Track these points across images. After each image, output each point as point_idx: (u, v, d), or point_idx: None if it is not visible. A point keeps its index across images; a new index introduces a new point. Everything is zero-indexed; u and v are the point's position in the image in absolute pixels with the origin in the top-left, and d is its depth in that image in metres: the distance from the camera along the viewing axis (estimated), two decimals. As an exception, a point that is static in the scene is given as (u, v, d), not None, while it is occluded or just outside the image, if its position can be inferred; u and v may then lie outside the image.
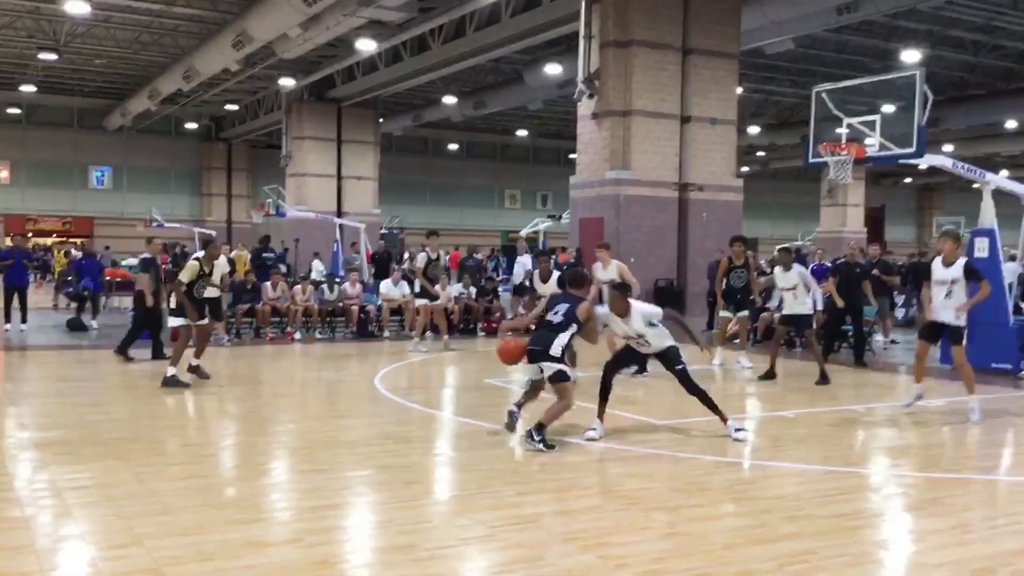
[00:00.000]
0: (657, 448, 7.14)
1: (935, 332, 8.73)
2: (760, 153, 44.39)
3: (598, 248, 11.65)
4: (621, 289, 7.92)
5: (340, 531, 5.19)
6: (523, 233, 24.68)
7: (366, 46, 24.03)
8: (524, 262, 17.86)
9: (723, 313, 12.50)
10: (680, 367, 7.52)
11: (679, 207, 20.27)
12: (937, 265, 8.66)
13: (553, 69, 26.24)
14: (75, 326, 16.18)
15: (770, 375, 10.97)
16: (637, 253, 18.93)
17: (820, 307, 12.22)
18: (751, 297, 12.23)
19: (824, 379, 10.70)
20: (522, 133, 44.14)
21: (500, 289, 18.94)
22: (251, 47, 23.32)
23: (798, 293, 10.98)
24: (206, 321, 10.40)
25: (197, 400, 9.55)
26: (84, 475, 6.17)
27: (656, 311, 7.72)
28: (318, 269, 20.84)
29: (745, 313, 12.27)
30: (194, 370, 10.22)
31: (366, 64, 28.86)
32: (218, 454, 7.31)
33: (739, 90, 21.65)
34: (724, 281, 12.17)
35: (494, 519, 5.19)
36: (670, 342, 7.62)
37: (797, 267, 11.23)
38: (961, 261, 8.55)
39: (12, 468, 6.55)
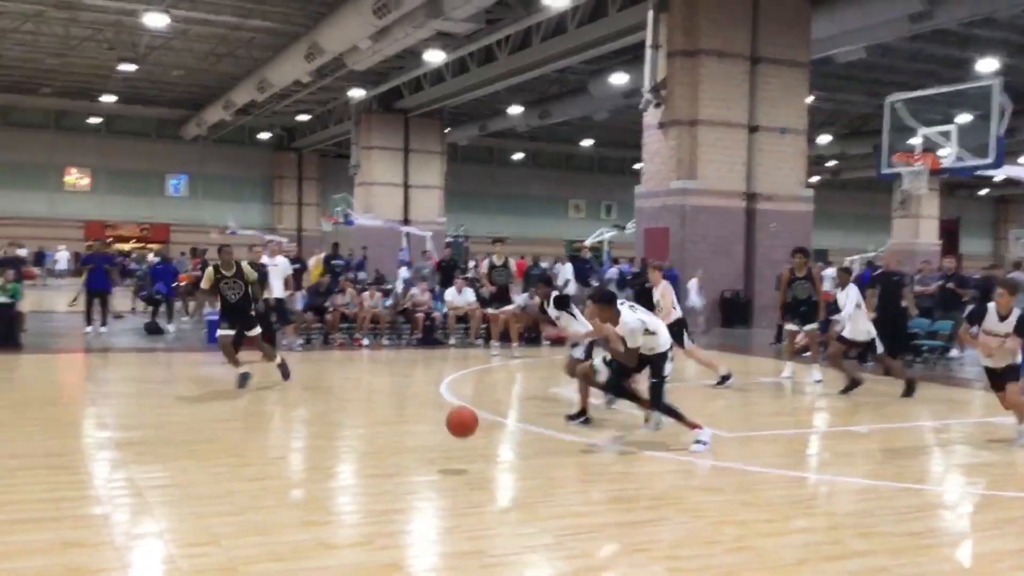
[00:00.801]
0: (725, 460, 7.08)
1: (996, 378, 8.09)
2: (830, 163, 43.62)
3: (652, 268, 11.69)
4: (600, 299, 7.48)
5: (407, 535, 5.26)
6: (588, 243, 24.66)
7: (433, 57, 24.31)
8: (566, 271, 18.10)
9: (788, 326, 12.30)
10: (656, 379, 7.37)
11: (746, 217, 20.05)
12: (992, 316, 7.95)
13: (618, 79, 26.21)
14: (152, 329, 16.65)
15: (853, 384, 10.72)
16: (703, 264, 18.77)
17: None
18: (816, 310, 12.00)
19: (909, 391, 10.49)
20: (587, 143, 44.11)
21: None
22: (322, 59, 23.79)
23: (854, 316, 10.75)
24: (256, 331, 10.51)
25: (269, 404, 9.76)
26: (162, 474, 6.36)
27: (635, 322, 7.25)
28: (403, 277, 21.08)
29: (813, 326, 12.05)
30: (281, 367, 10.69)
31: (433, 75, 29.18)
32: (289, 456, 7.47)
33: (809, 99, 21.35)
34: (787, 293, 11.99)
35: (560, 528, 5.20)
36: (662, 349, 7.39)
37: (851, 287, 11.02)
38: (1015, 314, 7.99)
39: (92, 467, 6.79)
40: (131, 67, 27.86)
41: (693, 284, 18.37)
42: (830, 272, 16.53)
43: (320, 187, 43.93)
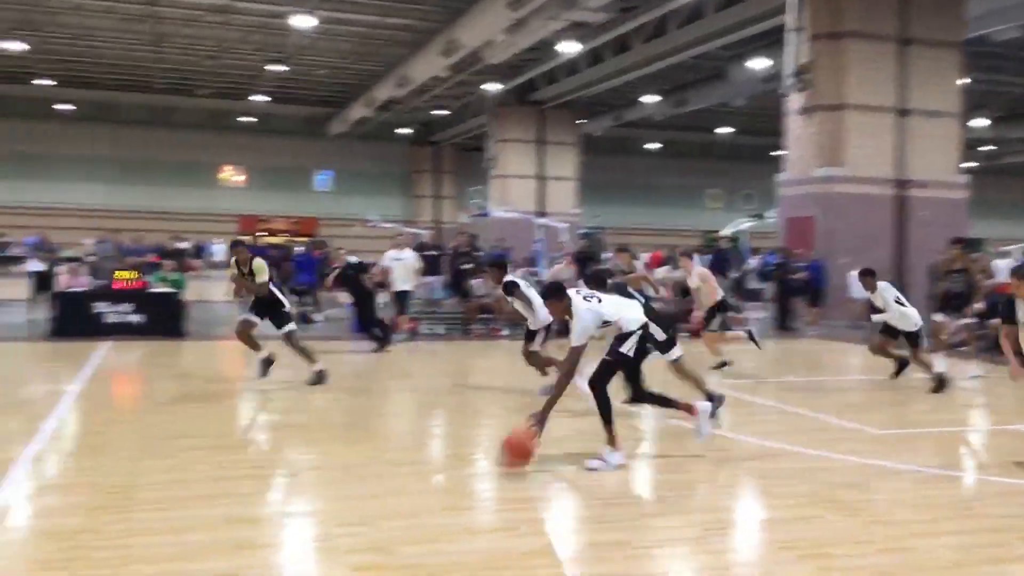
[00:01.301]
0: (876, 458, 6.83)
1: None
2: (986, 147, 41.17)
3: (682, 256, 12.03)
4: (552, 292, 6.70)
5: (551, 523, 5.34)
6: (726, 233, 24.16)
7: (567, 48, 24.32)
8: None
9: (936, 317, 11.72)
10: (607, 358, 6.58)
11: (896, 205, 19.17)
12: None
13: (757, 64, 25.52)
14: (301, 319, 17.40)
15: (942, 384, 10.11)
16: (849, 253, 18.07)
17: None
18: (969, 304, 11.38)
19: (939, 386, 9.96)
20: (724, 130, 43.16)
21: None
22: (459, 54, 24.18)
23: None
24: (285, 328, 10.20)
25: (413, 393, 10.06)
26: (315, 457, 6.67)
27: (588, 312, 6.48)
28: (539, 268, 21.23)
29: (969, 320, 11.46)
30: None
31: (566, 66, 29.20)
32: (432, 443, 7.68)
33: (963, 81, 20.22)
34: (940, 284, 11.46)
35: (705, 521, 5.17)
36: (627, 329, 6.54)
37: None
38: None
39: (253, 448, 7.19)
40: (279, 67, 29.08)
41: (853, 276, 17.74)
42: (1004, 264, 15.56)
43: (457, 180, 44.70)
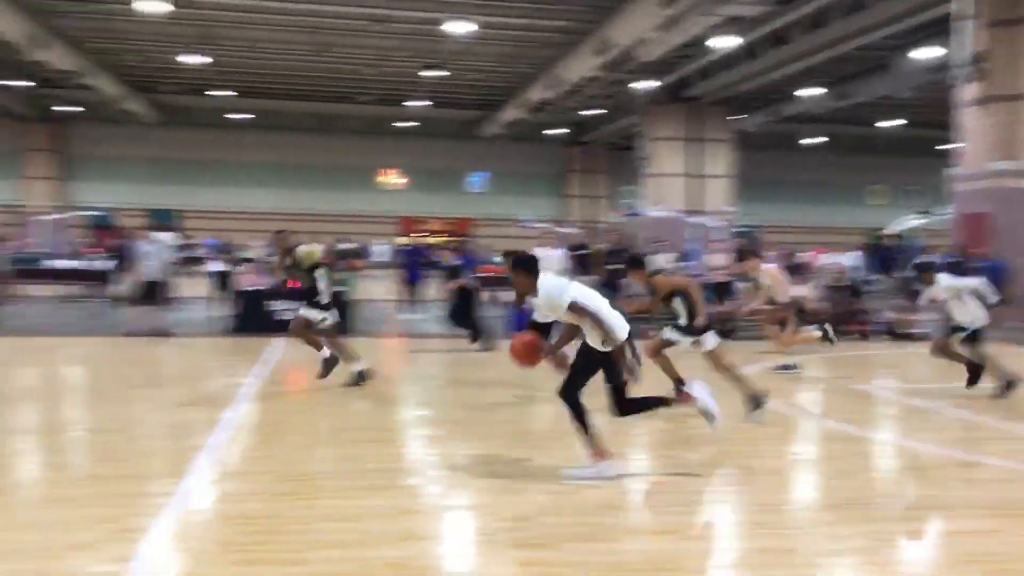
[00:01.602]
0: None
1: None
2: None
3: (747, 254, 11.76)
4: (518, 264, 6.10)
5: (715, 527, 5.31)
6: (892, 230, 23.10)
7: (721, 43, 23.85)
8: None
9: None
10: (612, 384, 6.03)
11: (1084, 201, 17.81)
12: None
13: (925, 54, 24.24)
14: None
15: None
16: (1030, 253, 16.94)
17: None
18: None
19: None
20: (887, 124, 41.21)
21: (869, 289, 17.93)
22: (611, 53, 24.15)
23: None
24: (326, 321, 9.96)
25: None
26: (473, 452, 6.86)
27: (555, 288, 5.88)
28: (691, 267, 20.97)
29: None
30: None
31: (721, 61, 28.62)
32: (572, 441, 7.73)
33: None
34: None
35: (873, 531, 5.00)
36: (621, 337, 5.90)
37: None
38: None
39: (414, 441, 7.46)
40: (435, 73, 29.89)
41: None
42: None
43: (608, 180, 44.65)
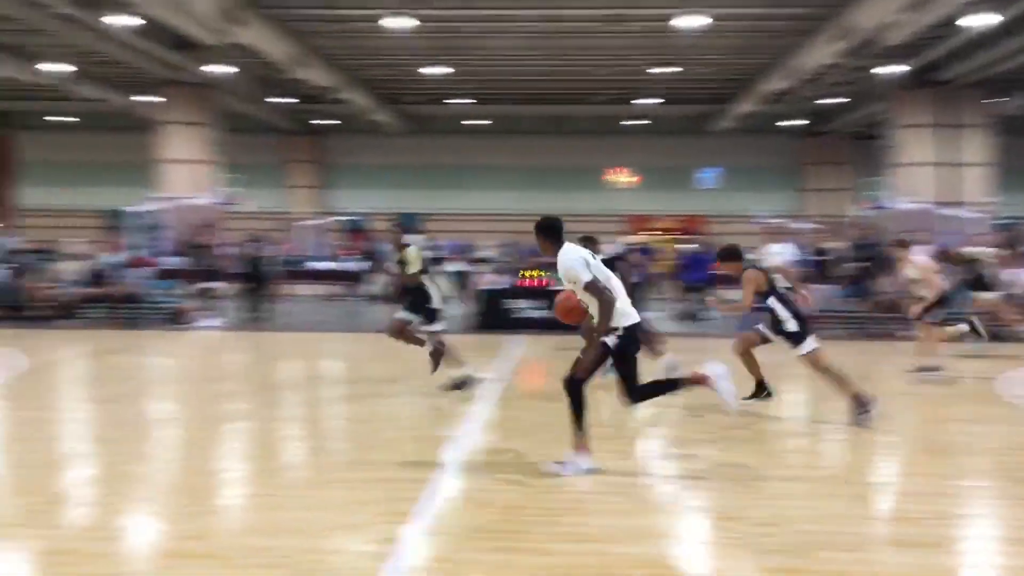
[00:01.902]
0: None
1: None
2: None
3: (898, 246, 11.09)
4: (542, 230, 6.46)
5: (975, 541, 5.00)
6: None
7: (976, 22, 21.98)
8: None
9: None
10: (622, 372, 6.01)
11: None
12: None
13: None
14: (686, 316, 17.78)
15: None
16: None
17: None
18: None
19: None
20: None
21: None
22: (852, 38, 22.93)
23: None
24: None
25: (812, 394, 9.82)
26: (714, 453, 6.81)
27: (574, 261, 6.00)
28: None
29: None
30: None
31: (975, 41, 26.38)
32: (843, 450, 7.46)
33: None
34: None
35: None
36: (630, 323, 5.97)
37: None
38: None
39: (649, 443, 7.51)
40: (665, 69, 29.65)
41: None
42: None
43: (848, 171, 42.38)
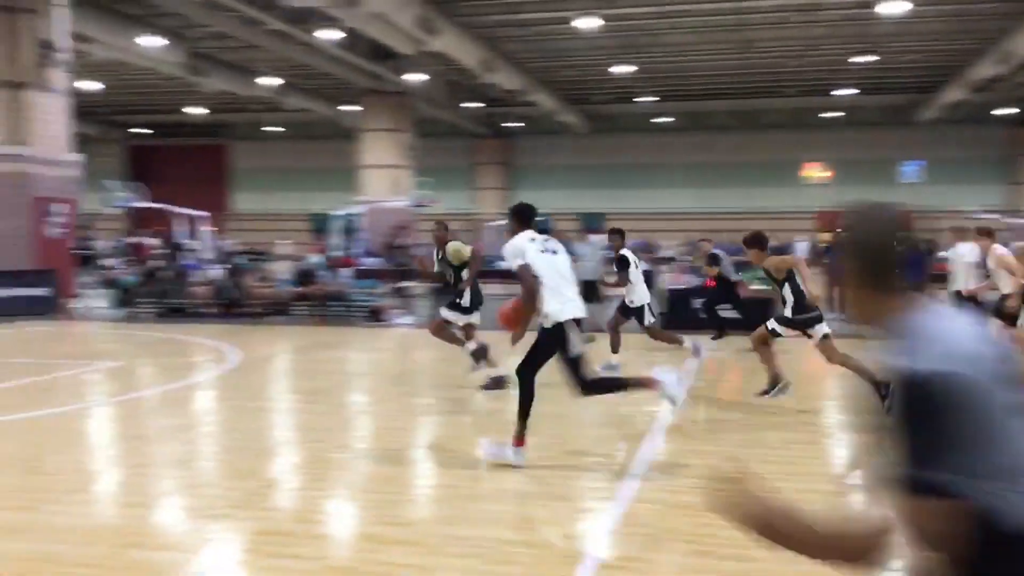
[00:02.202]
0: None
1: None
2: None
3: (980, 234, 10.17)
4: (509, 214, 6.74)
5: None
6: None
7: None
8: None
9: None
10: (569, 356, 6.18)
11: None
12: None
13: None
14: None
15: None
16: None
17: None
18: None
19: None
20: None
21: None
22: (1079, 17, 21.04)
23: None
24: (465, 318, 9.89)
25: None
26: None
27: (513, 247, 6.33)
28: None
29: None
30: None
31: None
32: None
33: None
34: None
35: None
36: (561, 316, 6.17)
37: None
38: None
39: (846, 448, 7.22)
40: (866, 58, 28.26)
41: None
42: None
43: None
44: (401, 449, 7.40)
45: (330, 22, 20.64)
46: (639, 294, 11.14)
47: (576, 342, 6.18)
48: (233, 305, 18.06)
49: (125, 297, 19.17)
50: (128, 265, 21.23)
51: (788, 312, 8.37)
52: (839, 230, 2.09)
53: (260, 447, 7.42)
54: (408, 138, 30.39)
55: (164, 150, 43.20)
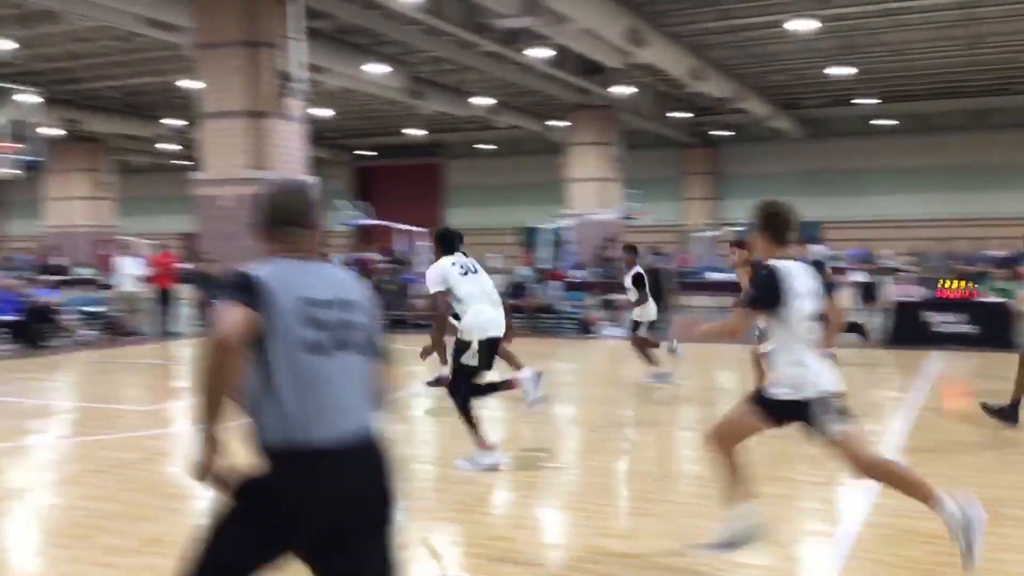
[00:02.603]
0: None
1: None
2: None
3: None
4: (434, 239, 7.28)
5: None
6: None
7: None
8: None
9: None
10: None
11: None
12: None
13: None
14: None
15: None
16: None
17: None
18: None
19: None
20: None
21: None
22: None
23: None
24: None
25: None
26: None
27: (433, 273, 6.85)
28: None
29: None
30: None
31: None
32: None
33: None
34: None
35: None
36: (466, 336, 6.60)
37: None
38: None
39: None
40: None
41: None
42: None
43: None
44: (611, 460, 7.45)
45: (540, 40, 21.13)
46: (649, 312, 11.30)
47: (478, 360, 6.61)
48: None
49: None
50: (355, 279, 22.54)
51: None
52: None
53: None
54: (615, 150, 30.54)
55: (384, 170, 45.68)
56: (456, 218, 44.26)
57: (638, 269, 11.40)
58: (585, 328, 18.07)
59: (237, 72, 17.40)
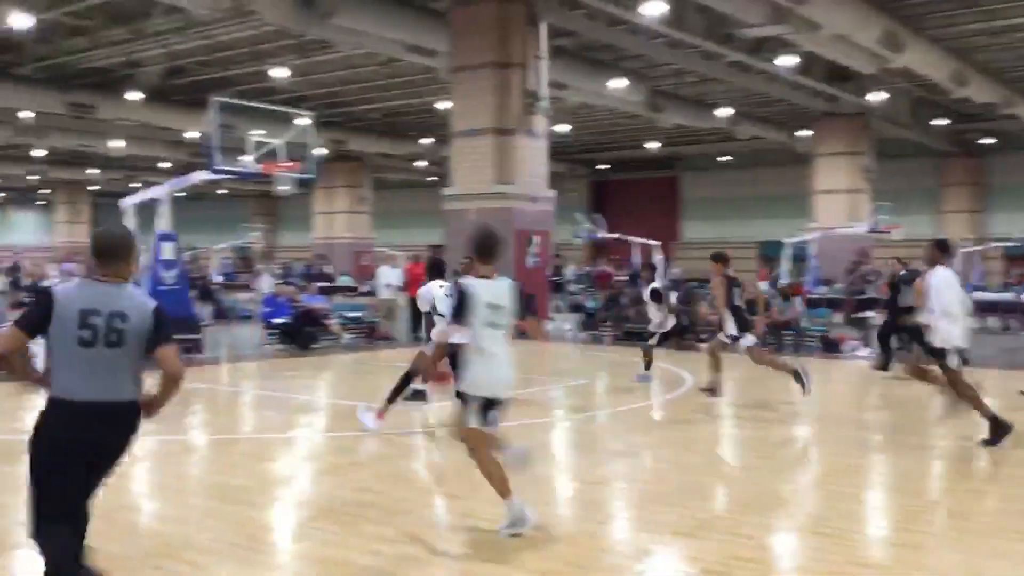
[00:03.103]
0: None
1: None
2: None
3: None
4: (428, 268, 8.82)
5: None
6: None
7: None
8: None
9: None
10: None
11: None
12: None
13: None
14: None
15: None
16: None
17: None
18: None
19: None
20: None
21: None
22: None
23: None
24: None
25: None
26: None
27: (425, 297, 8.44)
28: None
29: None
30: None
31: None
32: None
33: None
34: None
35: None
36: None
37: None
38: None
39: None
40: None
41: None
42: None
43: None
44: (856, 488, 7.12)
45: (787, 48, 20.51)
46: (665, 326, 12.63)
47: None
48: (684, 331, 18.51)
49: (588, 321, 20.70)
50: (590, 291, 22.93)
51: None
52: None
53: (713, 471, 7.65)
54: (865, 160, 29.01)
55: (620, 183, 45.86)
56: (692, 231, 43.68)
57: (655, 286, 12.89)
58: (830, 346, 17.27)
59: (487, 92, 18.25)
